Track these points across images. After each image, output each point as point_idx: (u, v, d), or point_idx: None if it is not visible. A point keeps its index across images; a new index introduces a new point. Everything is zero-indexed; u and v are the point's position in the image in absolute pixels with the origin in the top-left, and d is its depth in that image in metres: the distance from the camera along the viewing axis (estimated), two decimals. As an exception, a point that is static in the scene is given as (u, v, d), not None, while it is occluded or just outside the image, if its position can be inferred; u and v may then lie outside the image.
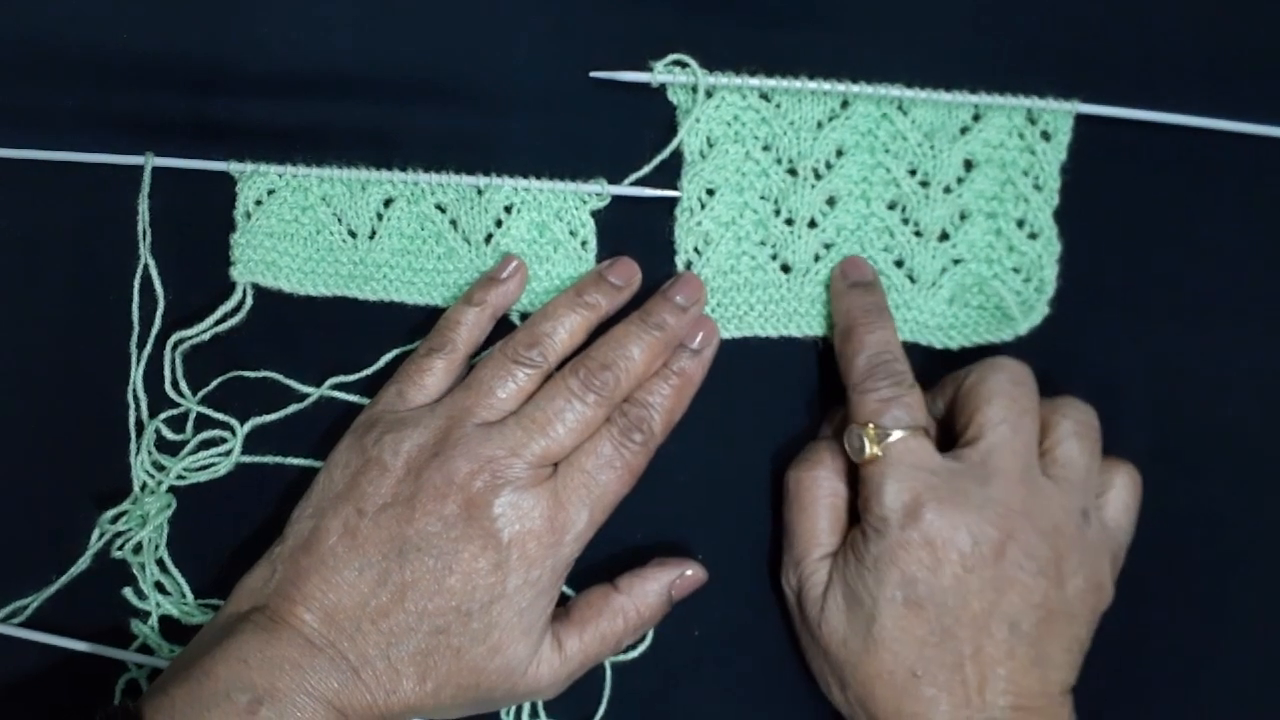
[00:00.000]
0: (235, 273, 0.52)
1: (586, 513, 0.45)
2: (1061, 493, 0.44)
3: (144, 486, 0.52)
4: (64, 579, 0.52)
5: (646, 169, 0.50)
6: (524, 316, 0.50)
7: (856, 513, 0.46)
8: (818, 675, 0.47)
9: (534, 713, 0.50)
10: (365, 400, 0.51)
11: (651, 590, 0.47)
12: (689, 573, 0.48)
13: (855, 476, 0.46)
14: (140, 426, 0.52)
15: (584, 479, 0.45)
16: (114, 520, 0.52)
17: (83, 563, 0.52)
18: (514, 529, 0.44)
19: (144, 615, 0.51)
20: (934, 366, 0.49)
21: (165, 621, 0.52)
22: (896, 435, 0.44)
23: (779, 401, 0.51)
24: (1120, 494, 0.46)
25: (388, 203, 0.51)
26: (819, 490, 0.47)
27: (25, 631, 0.52)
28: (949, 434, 0.46)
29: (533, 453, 0.44)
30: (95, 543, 0.52)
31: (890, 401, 0.45)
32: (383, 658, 0.43)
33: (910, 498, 0.43)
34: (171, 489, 0.52)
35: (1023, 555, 0.43)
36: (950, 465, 0.44)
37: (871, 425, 0.44)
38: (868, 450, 0.44)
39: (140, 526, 0.51)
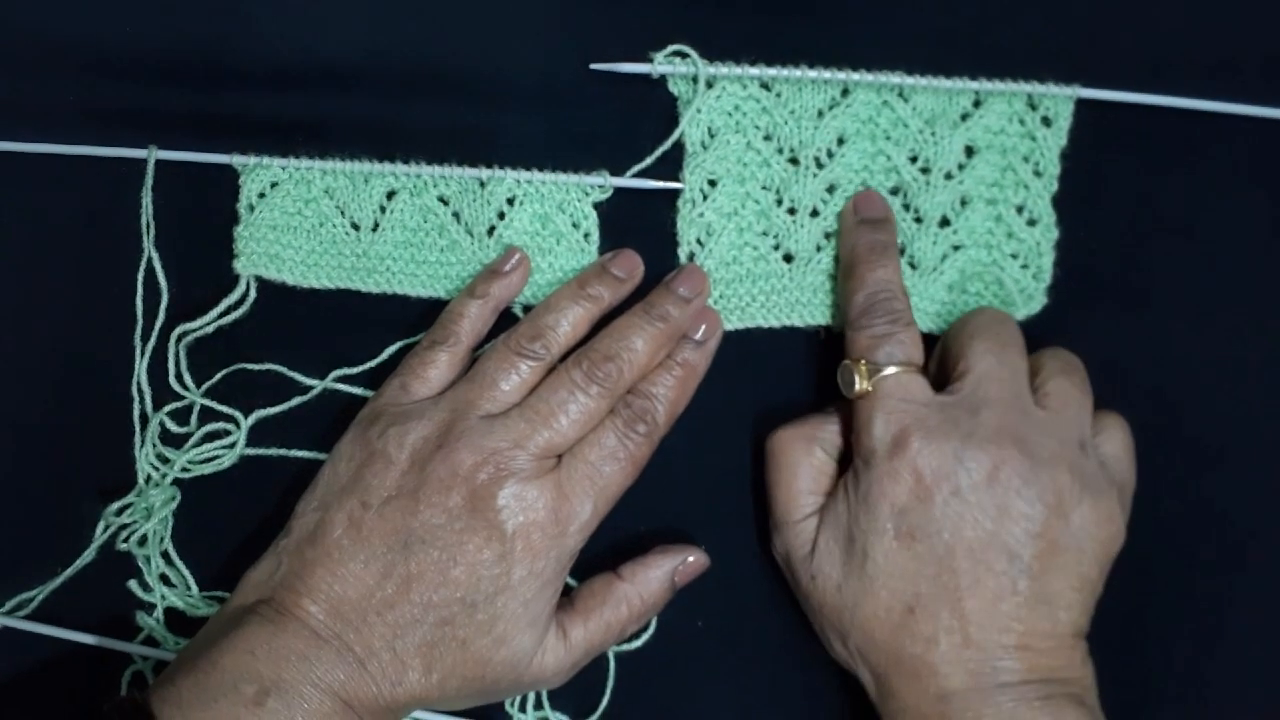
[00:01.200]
0: (239, 265, 0.52)
1: (590, 504, 0.45)
2: (1056, 423, 0.43)
3: (149, 479, 0.52)
4: (69, 571, 0.52)
5: (648, 160, 0.50)
6: (527, 309, 0.51)
7: (836, 481, 0.46)
8: (820, 634, 0.47)
9: (538, 704, 0.50)
10: (369, 393, 0.51)
11: (655, 577, 0.48)
12: (691, 559, 0.48)
13: (840, 458, 0.47)
14: (145, 419, 0.52)
15: (588, 470, 0.45)
16: (119, 513, 0.52)
17: (88, 555, 0.52)
18: (518, 520, 0.44)
19: (149, 608, 0.52)
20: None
21: (170, 614, 0.52)
22: (889, 371, 0.44)
23: (782, 392, 0.51)
24: (1116, 434, 0.45)
25: (390, 195, 0.51)
26: (798, 452, 0.47)
27: (31, 624, 0.52)
28: (943, 387, 0.45)
29: (536, 444, 0.45)
30: (100, 535, 0.52)
31: (884, 338, 0.45)
32: (388, 649, 0.43)
33: (898, 429, 0.43)
34: (176, 482, 0.52)
35: (1019, 480, 0.42)
36: (942, 399, 0.44)
37: (864, 361, 0.44)
38: (858, 385, 0.44)
39: (145, 519, 0.51)
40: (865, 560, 0.43)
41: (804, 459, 0.46)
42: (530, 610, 0.44)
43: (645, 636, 0.50)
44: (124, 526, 0.52)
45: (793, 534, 0.46)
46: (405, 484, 0.44)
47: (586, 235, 0.51)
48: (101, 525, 0.52)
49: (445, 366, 0.48)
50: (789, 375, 0.51)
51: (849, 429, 0.46)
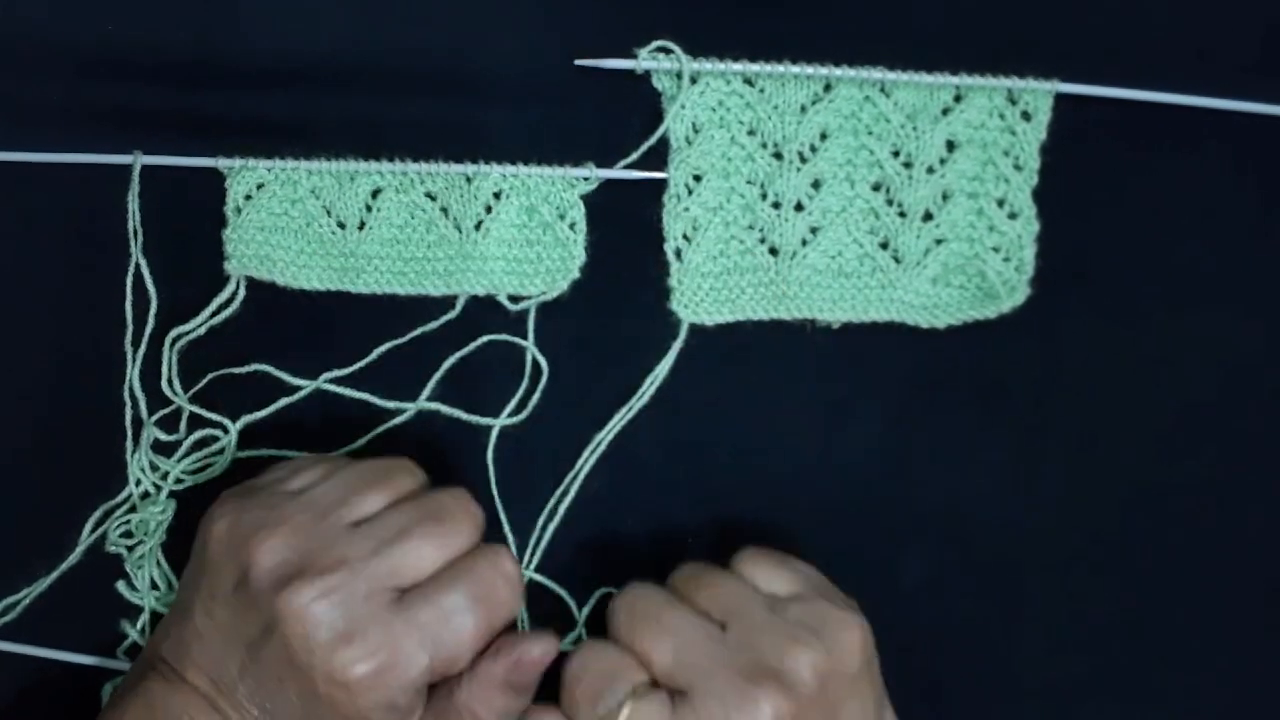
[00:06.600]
0: (229, 267, 0.52)
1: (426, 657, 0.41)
2: None
3: (145, 495, 0.52)
4: (55, 574, 0.52)
5: (634, 156, 0.50)
6: (512, 298, 0.51)
7: None
8: None
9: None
10: (361, 394, 0.51)
11: (486, 683, 0.42)
12: (533, 651, 0.42)
13: None
14: (137, 425, 0.52)
15: None
16: (123, 534, 0.52)
17: (74, 557, 0.52)
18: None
19: (134, 612, 0.52)
20: (919, 347, 0.49)
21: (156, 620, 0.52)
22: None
23: (769, 385, 0.51)
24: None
25: (376, 194, 0.51)
26: None
27: (6, 644, 0.52)
28: None
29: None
30: (86, 538, 0.52)
31: None
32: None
33: None
34: (170, 492, 0.52)
35: None
36: None
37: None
38: None
39: (144, 533, 0.51)
40: None
41: None
42: None
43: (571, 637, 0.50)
44: (118, 527, 0.52)
45: None
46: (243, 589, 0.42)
47: (573, 226, 0.51)
48: (88, 529, 0.52)
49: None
50: (775, 368, 0.51)
51: None
